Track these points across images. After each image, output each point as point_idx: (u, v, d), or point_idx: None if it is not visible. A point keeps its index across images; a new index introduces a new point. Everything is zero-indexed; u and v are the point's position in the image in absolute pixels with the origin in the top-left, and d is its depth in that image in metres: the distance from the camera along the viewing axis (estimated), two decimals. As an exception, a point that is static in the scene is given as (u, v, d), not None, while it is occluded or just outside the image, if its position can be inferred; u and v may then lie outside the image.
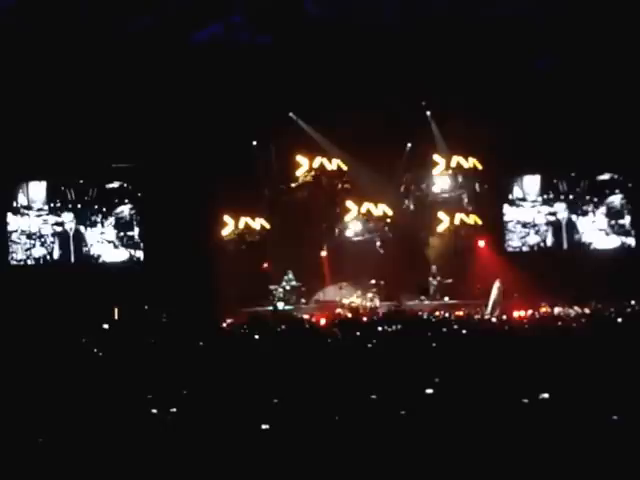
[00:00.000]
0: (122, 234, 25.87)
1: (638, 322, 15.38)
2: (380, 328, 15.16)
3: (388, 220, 26.32)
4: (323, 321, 20.42)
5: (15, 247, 25.27)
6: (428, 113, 26.25)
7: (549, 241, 26.81)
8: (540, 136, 25.15)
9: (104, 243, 25.75)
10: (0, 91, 23.80)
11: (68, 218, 25.48)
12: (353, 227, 26.05)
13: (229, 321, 21.60)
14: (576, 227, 26.62)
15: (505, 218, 26.91)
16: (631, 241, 26.59)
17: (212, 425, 6.51)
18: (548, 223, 26.78)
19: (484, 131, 24.38)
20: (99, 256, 25.75)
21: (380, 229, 25.83)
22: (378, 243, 25.79)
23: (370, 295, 24.51)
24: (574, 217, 26.66)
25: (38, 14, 24.43)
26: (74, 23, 24.67)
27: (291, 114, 25.96)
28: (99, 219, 25.73)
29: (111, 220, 25.78)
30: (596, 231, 26.57)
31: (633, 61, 24.55)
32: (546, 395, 6.69)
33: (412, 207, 26.87)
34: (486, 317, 21.22)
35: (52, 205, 25.47)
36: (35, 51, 24.16)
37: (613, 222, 26.56)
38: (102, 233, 25.75)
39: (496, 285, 22.71)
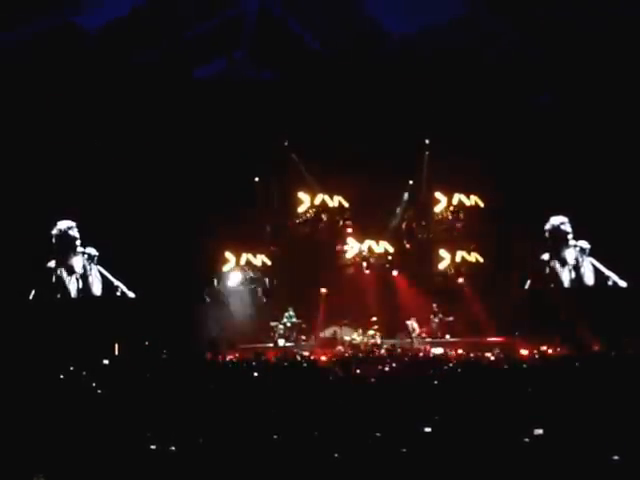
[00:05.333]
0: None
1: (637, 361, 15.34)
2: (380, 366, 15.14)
3: (389, 257, 26.39)
4: (324, 358, 20.37)
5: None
6: (427, 153, 26.37)
7: (550, 279, 26.71)
8: (541, 175, 25.23)
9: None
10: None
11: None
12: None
13: (229, 357, 21.57)
14: (578, 265, 26.53)
15: (507, 256, 26.77)
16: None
17: (212, 462, 6.49)
18: (550, 261, 26.71)
19: (485, 169, 24.47)
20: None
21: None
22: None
23: (371, 332, 24.44)
24: (575, 255, 26.57)
25: (44, 48, 24.70)
26: (80, 58, 24.93)
27: (293, 155, 26.12)
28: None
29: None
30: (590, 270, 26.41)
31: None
32: (540, 431, 6.68)
33: (413, 244, 26.88)
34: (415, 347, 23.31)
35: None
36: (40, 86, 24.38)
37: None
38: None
39: (411, 323, 24.58)
